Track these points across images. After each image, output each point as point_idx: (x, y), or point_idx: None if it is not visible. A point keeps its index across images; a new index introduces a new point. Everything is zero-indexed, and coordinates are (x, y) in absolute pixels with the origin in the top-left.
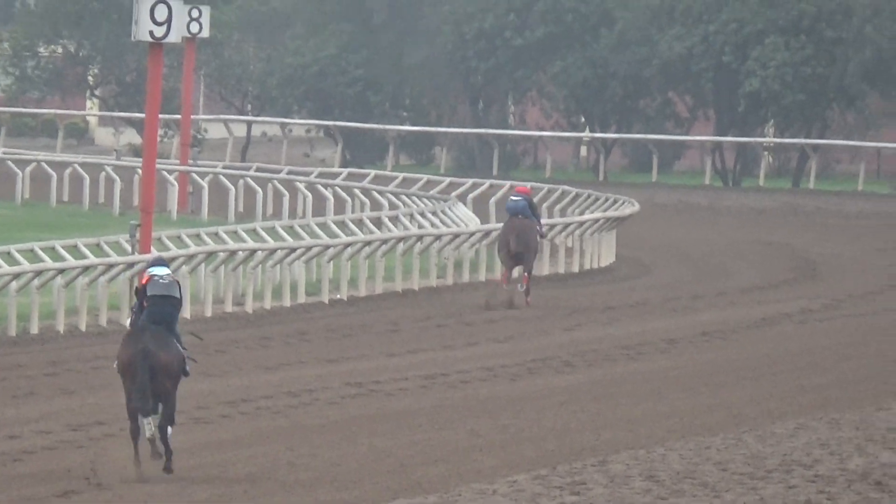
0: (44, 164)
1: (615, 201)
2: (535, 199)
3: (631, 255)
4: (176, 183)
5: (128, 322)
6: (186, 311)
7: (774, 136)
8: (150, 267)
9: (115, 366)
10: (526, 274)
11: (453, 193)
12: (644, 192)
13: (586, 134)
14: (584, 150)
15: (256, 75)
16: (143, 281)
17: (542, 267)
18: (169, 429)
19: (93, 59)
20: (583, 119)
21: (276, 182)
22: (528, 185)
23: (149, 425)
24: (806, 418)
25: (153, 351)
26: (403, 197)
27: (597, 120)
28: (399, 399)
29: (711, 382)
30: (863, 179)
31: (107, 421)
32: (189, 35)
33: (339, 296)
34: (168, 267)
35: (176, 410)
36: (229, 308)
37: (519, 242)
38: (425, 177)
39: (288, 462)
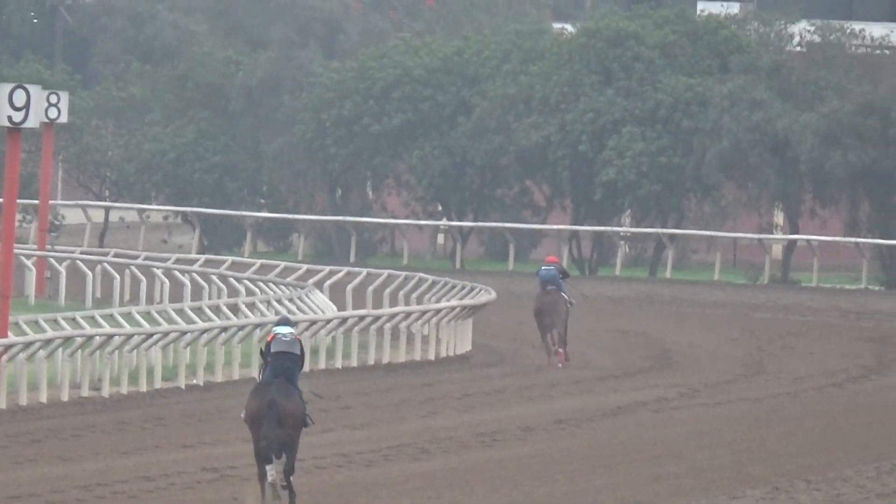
0: None
1: (472, 289)
2: (393, 287)
3: (487, 343)
4: (34, 268)
5: (257, 375)
6: (43, 395)
7: (631, 226)
8: (275, 326)
9: (242, 416)
10: (561, 348)
11: (310, 280)
12: (501, 280)
13: (443, 222)
14: (441, 238)
15: (115, 161)
16: (269, 339)
17: (398, 354)
18: (292, 465)
19: None
20: (440, 207)
21: (133, 267)
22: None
23: (271, 472)
24: None
25: (279, 402)
26: (261, 283)
27: (454, 208)
28: (255, 484)
29: (567, 470)
30: (719, 269)
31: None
32: (47, 120)
33: (195, 381)
34: (292, 327)
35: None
36: (86, 392)
37: (551, 315)
38: (283, 263)
39: None
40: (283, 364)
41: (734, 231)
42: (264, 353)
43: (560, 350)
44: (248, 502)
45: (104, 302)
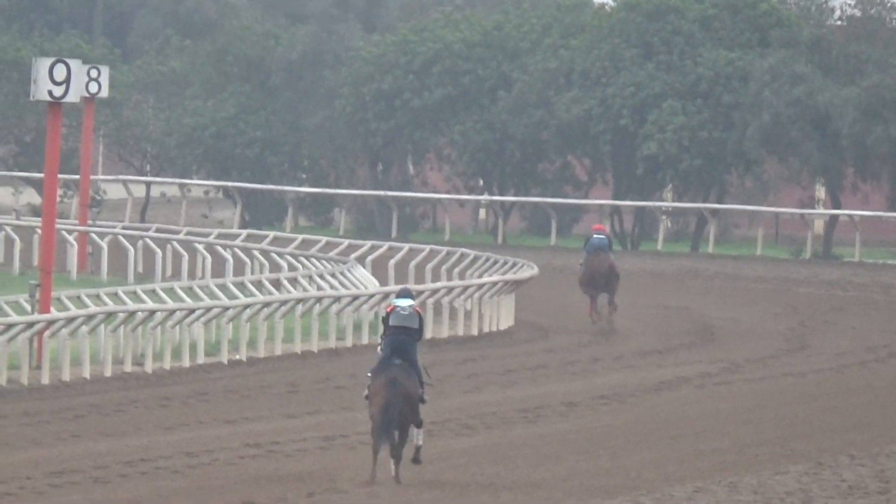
0: None
1: (514, 264)
2: (435, 262)
3: (530, 319)
4: (75, 243)
5: (378, 349)
6: (86, 371)
7: (672, 200)
8: (396, 297)
9: (364, 394)
10: (612, 303)
11: (352, 255)
12: (543, 255)
13: (485, 197)
14: (482, 213)
15: (155, 135)
16: (389, 310)
17: (441, 330)
18: (420, 435)
19: None
20: (481, 182)
21: (175, 243)
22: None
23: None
24: (704, 482)
25: (400, 381)
26: (302, 258)
27: (495, 183)
28: (298, 460)
29: (610, 446)
30: (761, 244)
31: (5, 480)
32: (88, 95)
33: (238, 357)
34: (413, 298)
35: (421, 424)
36: (129, 368)
37: (606, 278)
38: (324, 238)
39: None
40: (399, 339)
41: (776, 206)
42: (384, 322)
43: (611, 306)
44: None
45: (146, 277)
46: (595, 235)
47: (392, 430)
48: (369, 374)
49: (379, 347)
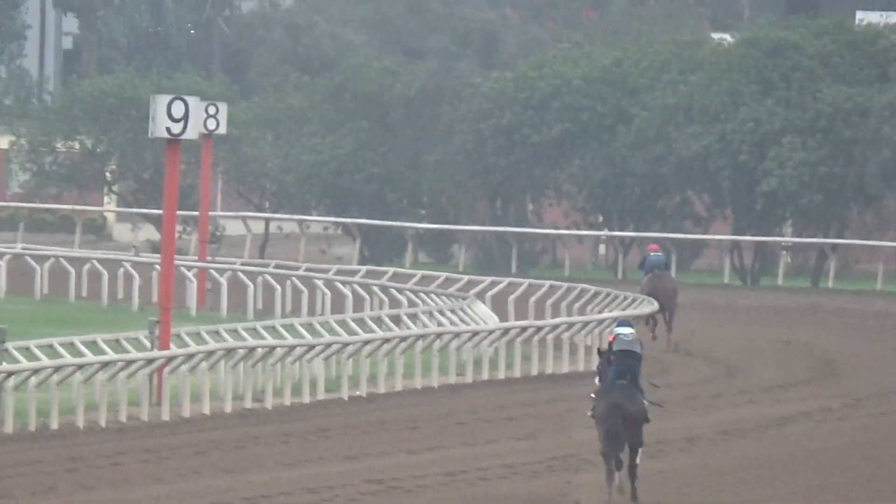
0: (62, 259)
1: (634, 300)
2: (555, 298)
3: (650, 354)
4: (194, 279)
5: (596, 379)
6: (206, 407)
7: (792, 236)
8: (617, 327)
9: (589, 414)
10: (669, 321)
11: (472, 291)
12: None
13: (604, 232)
14: (602, 249)
15: (274, 172)
16: (611, 339)
17: (561, 365)
18: (638, 458)
19: (110, 154)
20: (601, 217)
21: (294, 279)
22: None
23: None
24: None
25: (623, 404)
26: (422, 294)
27: (615, 218)
28: (419, 496)
29: (731, 481)
30: (882, 279)
31: None
32: (206, 132)
33: (358, 393)
34: (632, 327)
35: (643, 445)
36: (249, 404)
37: (667, 296)
38: (444, 274)
39: None
40: (625, 362)
41: None
42: (605, 353)
43: (670, 335)
44: (583, 497)
45: (266, 313)
46: (652, 254)
47: (618, 452)
48: (593, 396)
49: (596, 378)
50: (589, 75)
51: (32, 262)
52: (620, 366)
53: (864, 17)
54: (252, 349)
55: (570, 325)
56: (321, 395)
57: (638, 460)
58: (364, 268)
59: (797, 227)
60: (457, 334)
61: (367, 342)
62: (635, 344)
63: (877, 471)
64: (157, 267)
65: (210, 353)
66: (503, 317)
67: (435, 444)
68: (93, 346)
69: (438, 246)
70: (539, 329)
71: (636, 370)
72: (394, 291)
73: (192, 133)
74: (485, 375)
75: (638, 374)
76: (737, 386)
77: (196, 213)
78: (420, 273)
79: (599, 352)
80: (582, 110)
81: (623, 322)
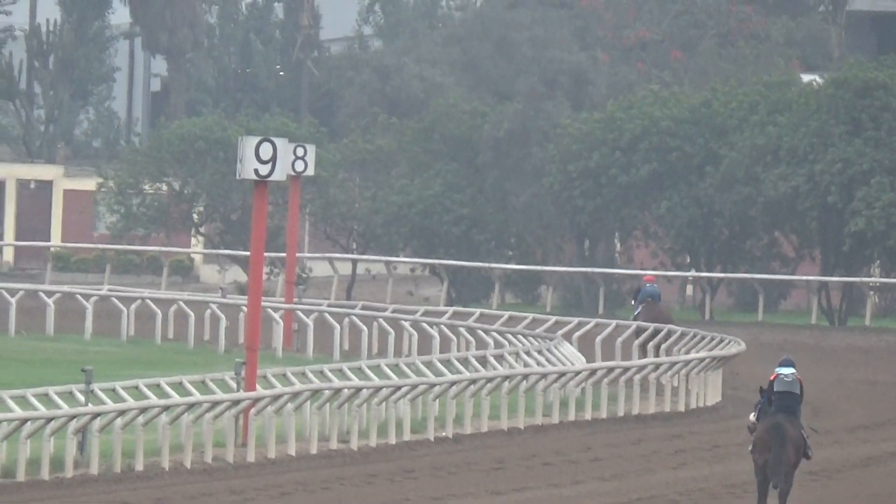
0: (149, 301)
1: (721, 340)
2: (642, 338)
3: (737, 395)
4: (281, 321)
5: (751, 416)
6: (291, 448)
7: (880, 276)
8: (778, 367)
9: (749, 449)
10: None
11: (559, 332)
12: (750, 331)
13: (692, 273)
14: (689, 289)
15: (361, 213)
16: (772, 378)
17: (648, 406)
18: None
19: (198, 196)
20: (688, 258)
21: (381, 320)
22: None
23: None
24: None
25: (785, 426)
26: (509, 335)
27: (702, 259)
28: None
29: None
30: None
31: None
32: (294, 173)
33: (444, 433)
34: (793, 367)
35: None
36: (335, 445)
37: (664, 322)
38: (531, 315)
39: None
40: (785, 402)
41: None
42: (765, 391)
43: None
44: None
45: (352, 354)
46: (648, 285)
47: (778, 472)
48: (750, 426)
49: (752, 415)
50: (677, 116)
51: (119, 304)
52: (780, 406)
53: None
54: (338, 390)
55: (657, 365)
56: (407, 436)
57: (788, 492)
58: (451, 309)
59: (885, 268)
60: (543, 375)
61: (453, 383)
62: (795, 385)
63: None
64: (244, 308)
65: (296, 395)
66: (590, 357)
67: (521, 485)
68: (179, 388)
69: (526, 287)
70: (626, 370)
71: (796, 410)
72: (481, 332)
73: (280, 175)
74: (571, 416)
75: (798, 414)
76: (823, 427)
77: (283, 254)
78: (507, 314)
79: (761, 390)
80: (670, 151)
81: (785, 362)
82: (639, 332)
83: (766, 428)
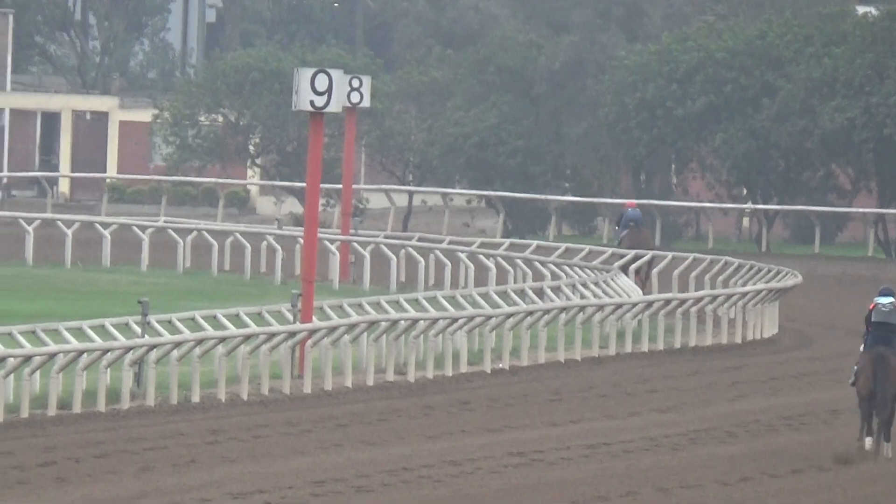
0: (205, 232)
1: (777, 273)
2: (698, 270)
3: (793, 327)
4: (337, 252)
5: (861, 347)
6: (348, 380)
7: None
8: (877, 296)
9: (850, 382)
10: (647, 271)
11: (616, 264)
12: (806, 263)
13: (748, 205)
14: (746, 222)
15: (417, 145)
16: (871, 307)
17: (705, 338)
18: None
19: (253, 128)
20: (745, 190)
21: (437, 252)
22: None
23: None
24: None
25: (887, 357)
26: (566, 267)
27: (759, 191)
28: (561, 468)
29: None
30: None
31: (268, 489)
32: (350, 105)
33: (501, 365)
34: (893, 296)
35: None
36: (391, 377)
37: (647, 247)
38: (587, 247)
39: None
40: (882, 333)
41: None
42: (867, 320)
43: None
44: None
45: (408, 286)
46: (630, 210)
47: (881, 403)
48: (855, 368)
49: (862, 346)
50: (733, 48)
51: (175, 236)
52: (877, 337)
53: None
54: (395, 322)
55: (714, 297)
56: (464, 368)
57: (891, 420)
58: (507, 240)
59: None
60: (600, 307)
61: (510, 315)
62: (893, 315)
63: None
64: (301, 240)
65: (353, 326)
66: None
67: (577, 416)
68: (235, 319)
69: (582, 218)
70: (682, 302)
71: (892, 341)
72: (537, 264)
73: (335, 106)
74: (628, 348)
75: (895, 344)
76: None
77: (339, 186)
78: (564, 246)
79: (866, 318)
80: (725, 83)
81: (884, 291)
82: (694, 264)
83: (868, 359)
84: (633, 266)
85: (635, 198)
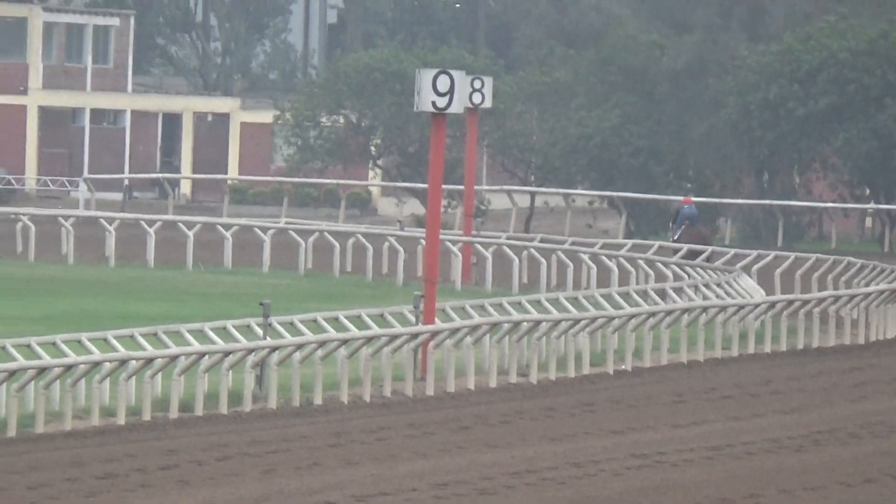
0: (327, 234)
1: None
2: (821, 271)
3: None
4: (459, 254)
5: None
6: (470, 382)
7: None
8: None
9: None
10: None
11: (738, 265)
12: None
13: (871, 205)
14: (868, 222)
15: (539, 145)
16: None
17: (828, 339)
18: None
19: (375, 129)
20: (867, 190)
21: (559, 253)
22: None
23: None
24: None
25: None
26: (688, 268)
27: (881, 191)
28: (684, 470)
29: None
30: None
31: (391, 492)
32: (471, 105)
33: (623, 367)
34: None
35: None
36: (514, 379)
37: (705, 243)
38: (710, 248)
39: None
40: None
41: None
42: None
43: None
44: None
45: (531, 287)
46: (686, 207)
47: None
48: None
49: None
50: (855, 48)
51: (297, 237)
52: None
53: None
54: (517, 323)
55: (837, 298)
56: (586, 370)
57: None
58: (630, 241)
59: None
60: (723, 308)
61: (632, 316)
62: None
63: None
64: (422, 241)
65: (475, 328)
66: (769, 290)
67: (700, 418)
68: (357, 321)
69: (704, 219)
70: (805, 302)
71: None
72: (659, 265)
73: (457, 107)
74: (750, 349)
75: None
76: None
77: (461, 187)
78: (686, 247)
79: None
80: (848, 83)
81: None
82: (817, 265)
83: None
84: (696, 262)
85: (758, 198)
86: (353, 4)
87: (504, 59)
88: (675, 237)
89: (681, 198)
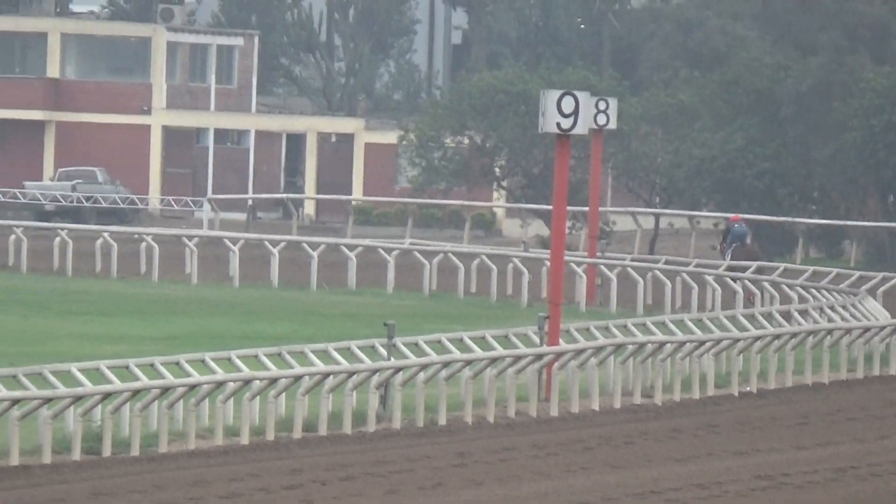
0: (451, 255)
1: None
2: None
3: None
4: (584, 275)
5: None
6: (594, 403)
7: None
8: None
9: None
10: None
11: (863, 287)
12: None
13: None
14: None
15: (664, 167)
16: None
17: None
18: None
19: (499, 150)
20: None
21: (684, 275)
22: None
23: None
24: None
25: None
26: (812, 290)
27: None
28: (809, 492)
29: None
30: None
31: None
32: (596, 127)
33: (748, 388)
34: None
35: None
36: (638, 400)
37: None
38: (834, 270)
39: None
40: None
41: None
42: None
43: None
44: None
45: (655, 309)
46: (735, 225)
47: None
48: None
49: None
50: None
51: (421, 258)
52: None
53: None
54: (641, 345)
55: None
56: (710, 391)
57: None
58: (755, 263)
59: None
60: (848, 330)
61: (757, 338)
62: None
63: None
64: (547, 262)
65: (599, 349)
66: (894, 313)
67: (825, 439)
68: (481, 342)
69: (829, 241)
70: None
71: None
72: (784, 287)
73: (582, 128)
74: (876, 371)
75: None
76: None
77: (586, 208)
78: (811, 269)
79: None
80: None
81: None
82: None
83: None
84: (746, 278)
85: (883, 220)
86: (477, 25)
87: (629, 80)
88: (728, 257)
89: (730, 216)
